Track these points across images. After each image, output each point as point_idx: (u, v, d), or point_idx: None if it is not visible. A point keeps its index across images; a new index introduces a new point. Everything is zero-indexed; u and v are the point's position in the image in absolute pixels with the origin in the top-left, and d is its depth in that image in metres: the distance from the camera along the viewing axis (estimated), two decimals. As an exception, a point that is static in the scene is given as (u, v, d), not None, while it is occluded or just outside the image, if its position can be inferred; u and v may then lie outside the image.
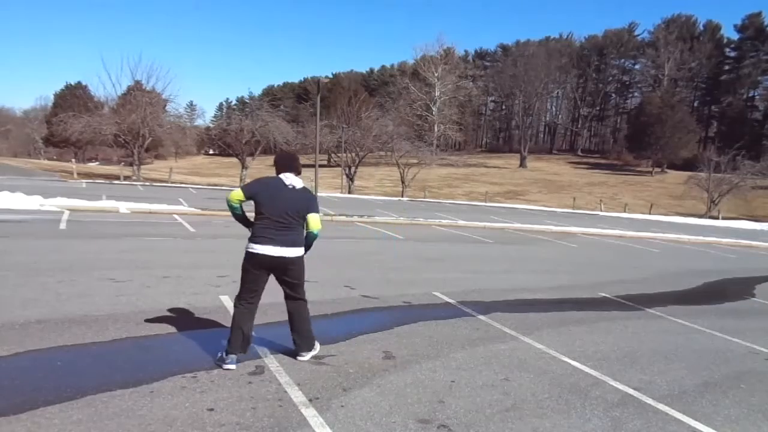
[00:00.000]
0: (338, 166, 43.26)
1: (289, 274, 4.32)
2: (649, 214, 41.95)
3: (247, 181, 36.93)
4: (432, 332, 5.75)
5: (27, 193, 15.74)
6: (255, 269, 4.24)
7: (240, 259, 4.29)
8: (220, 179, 53.08)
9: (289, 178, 4.31)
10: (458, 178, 62.66)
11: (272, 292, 6.91)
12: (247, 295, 4.32)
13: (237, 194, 4.26)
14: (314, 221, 4.31)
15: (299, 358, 4.52)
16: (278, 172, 4.39)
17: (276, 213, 4.17)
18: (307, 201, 4.31)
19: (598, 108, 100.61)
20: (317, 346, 4.65)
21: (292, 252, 4.24)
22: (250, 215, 4.38)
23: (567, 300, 8.20)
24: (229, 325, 5.31)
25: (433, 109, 79.94)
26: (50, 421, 3.16)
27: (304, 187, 4.36)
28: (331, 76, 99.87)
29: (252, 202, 4.27)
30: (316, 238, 4.40)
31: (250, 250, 4.21)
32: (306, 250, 4.42)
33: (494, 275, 9.87)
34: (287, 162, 4.41)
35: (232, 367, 4.18)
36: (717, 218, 42.00)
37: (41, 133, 77.11)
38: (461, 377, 4.48)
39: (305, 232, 4.36)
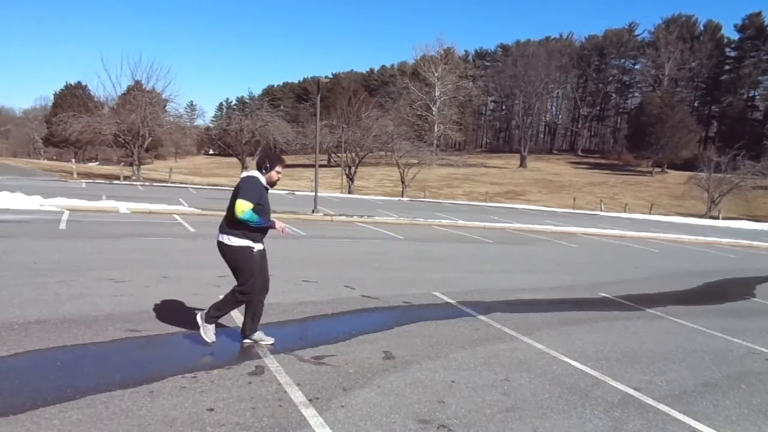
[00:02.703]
0: (338, 166, 43.25)
1: (223, 257, 4.60)
2: (650, 214, 41.95)
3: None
4: (432, 332, 5.74)
5: (27, 193, 15.74)
6: None
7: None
8: (220, 179, 53.04)
9: (244, 172, 4.74)
10: (458, 178, 62.64)
11: (273, 293, 6.91)
12: None
13: None
14: (236, 205, 4.41)
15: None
16: None
17: None
18: (237, 186, 4.53)
19: (598, 108, 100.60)
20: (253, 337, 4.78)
21: (218, 236, 4.57)
22: None
23: (567, 300, 8.19)
24: (228, 325, 5.31)
25: (433, 109, 79.91)
26: (50, 422, 3.16)
27: (244, 176, 4.61)
28: (331, 76, 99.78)
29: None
30: (243, 222, 4.40)
31: None
32: (240, 237, 4.48)
33: (494, 275, 9.86)
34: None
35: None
36: (717, 218, 42.00)
37: (41, 133, 77.16)
38: (461, 377, 4.47)
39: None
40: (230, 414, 3.44)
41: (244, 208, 4.33)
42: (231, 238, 4.48)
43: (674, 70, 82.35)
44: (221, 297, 4.75)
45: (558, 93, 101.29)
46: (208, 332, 4.63)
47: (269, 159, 4.65)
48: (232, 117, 51.69)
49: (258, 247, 4.59)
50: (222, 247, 4.55)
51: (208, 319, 4.63)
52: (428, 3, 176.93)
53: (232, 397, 3.69)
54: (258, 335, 4.79)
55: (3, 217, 12.08)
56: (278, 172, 4.67)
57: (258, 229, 4.54)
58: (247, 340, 4.78)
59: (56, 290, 6.07)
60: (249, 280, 4.53)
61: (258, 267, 4.58)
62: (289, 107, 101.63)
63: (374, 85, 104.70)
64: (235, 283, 4.59)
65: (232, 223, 4.47)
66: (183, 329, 5.08)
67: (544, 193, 55.75)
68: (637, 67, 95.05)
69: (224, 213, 4.60)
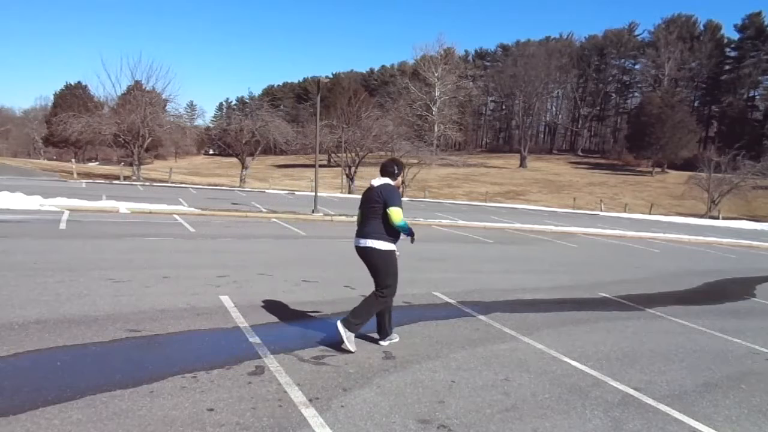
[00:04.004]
0: (338, 166, 43.22)
1: (366, 262, 4.83)
2: (650, 214, 41.96)
3: (247, 180, 36.81)
4: (432, 332, 5.75)
5: (27, 193, 15.74)
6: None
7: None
8: (220, 179, 53.06)
9: (375, 180, 4.86)
10: (458, 178, 62.66)
11: (274, 292, 6.92)
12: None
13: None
14: (391, 214, 4.60)
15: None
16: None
17: (359, 209, 4.90)
18: (378, 194, 4.69)
19: (598, 108, 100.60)
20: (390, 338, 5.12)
21: (363, 242, 4.76)
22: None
23: (567, 300, 8.19)
24: (228, 325, 5.32)
25: (433, 109, 79.81)
26: (50, 422, 3.16)
27: (380, 185, 4.78)
28: (331, 76, 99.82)
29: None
30: (401, 229, 4.70)
31: None
32: (394, 240, 4.79)
33: (494, 275, 9.86)
34: (381, 167, 4.99)
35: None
36: (717, 218, 42.01)
37: (41, 133, 77.26)
38: (461, 377, 4.47)
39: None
40: (230, 414, 3.44)
41: (401, 216, 4.59)
42: (381, 242, 4.70)
43: (674, 70, 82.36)
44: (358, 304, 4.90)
45: (558, 93, 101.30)
46: (351, 342, 4.74)
47: (397, 165, 4.91)
48: (232, 117, 51.74)
49: (398, 251, 4.85)
50: (370, 252, 4.73)
51: (352, 327, 4.73)
52: (428, 3, 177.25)
53: (232, 397, 3.69)
54: (393, 335, 5.11)
55: (3, 217, 12.08)
56: (403, 177, 4.86)
57: (398, 234, 4.77)
58: (383, 342, 5.06)
59: (56, 290, 6.07)
60: (393, 283, 4.82)
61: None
62: (289, 107, 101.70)
63: (374, 85, 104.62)
64: (375, 287, 4.85)
65: (381, 229, 4.67)
66: (183, 329, 5.09)
67: (544, 193, 55.77)
68: (637, 67, 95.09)
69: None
